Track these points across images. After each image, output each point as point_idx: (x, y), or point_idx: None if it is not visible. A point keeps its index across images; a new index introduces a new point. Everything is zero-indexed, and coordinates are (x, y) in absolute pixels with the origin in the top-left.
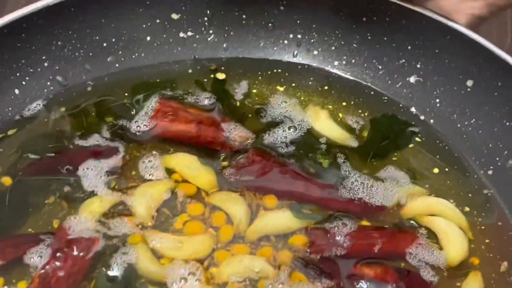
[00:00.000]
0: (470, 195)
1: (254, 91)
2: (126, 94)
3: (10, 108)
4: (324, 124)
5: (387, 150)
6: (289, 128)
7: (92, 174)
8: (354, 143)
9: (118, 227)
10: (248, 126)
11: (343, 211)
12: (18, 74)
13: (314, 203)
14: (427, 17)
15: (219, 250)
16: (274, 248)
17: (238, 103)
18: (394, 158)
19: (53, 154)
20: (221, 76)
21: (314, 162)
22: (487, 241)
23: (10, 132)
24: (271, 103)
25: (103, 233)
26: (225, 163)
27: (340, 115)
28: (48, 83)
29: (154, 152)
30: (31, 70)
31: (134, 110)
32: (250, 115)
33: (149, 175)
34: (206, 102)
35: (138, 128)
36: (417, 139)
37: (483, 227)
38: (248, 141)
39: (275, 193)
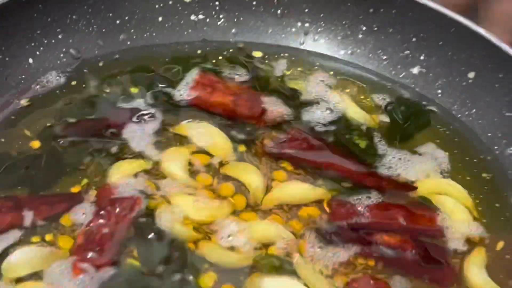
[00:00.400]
0: (468, 178)
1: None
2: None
3: (23, 76)
4: (351, 108)
5: (412, 131)
6: (326, 109)
7: (136, 136)
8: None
9: (159, 187)
10: (285, 103)
11: (376, 188)
12: (33, 44)
13: (350, 178)
14: (432, 10)
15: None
16: (286, 218)
17: (274, 81)
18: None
19: (91, 117)
20: (257, 54)
21: (352, 143)
22: (484, 221)
23: (23, 102)
24: (308, 82)
25: (144, 193)
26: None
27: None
28: (61, 55)
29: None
30: (45, 41)
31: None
32: (286, 93)
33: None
34: (243, 78)
35: (181, 96)
36: None
37: (480, 208)
38: (285, 117)
39: (312, 167)
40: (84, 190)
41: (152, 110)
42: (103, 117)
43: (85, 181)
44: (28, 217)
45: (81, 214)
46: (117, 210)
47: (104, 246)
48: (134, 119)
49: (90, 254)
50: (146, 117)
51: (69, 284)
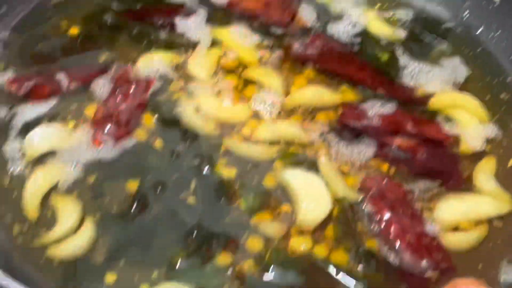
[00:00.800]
0: (487, 98)
1: None
2: None
3: None
4: (373, 23)
5: (430, 46)
6: (350, 23)
7: (178, 29)
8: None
9: (184, 82)
10: (314, 13)
11: (390, 98)
12: None
13: (366, 85)
14: None
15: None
16: (305, 119)
17: None
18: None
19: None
20: None
21: (374, 56)
22: (498, 137)
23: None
24: None
25: (164, 79)
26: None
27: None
28: None
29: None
30: None
31: None
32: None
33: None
34: None
35: None
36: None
37: (495, 126)
38: (312, 25)
39: (329, 71)
40: (111, 67)
41: (194, 8)
42: (148, 8)
43: (114, 62)
44: (64, 84)
45: (101, 88)
46: (133, 88)
47: (121, 121)
48: (177, 14)
49: (108, 127)
50: (187, 14)
51: (90, 153)
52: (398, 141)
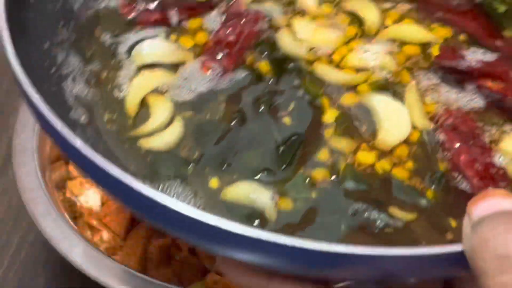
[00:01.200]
0: None
1: None
2: None
3: None
4: None
5: None
6: None
7: None
8: None
9: (286, 8)
10: None
11: (494, 49)
12: None
13: (477, 35)
14: None
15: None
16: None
17: None
18: None
19: None
20: None
21: (491, 8)
22: None
23: None
24: None
25: (271, 15)
26: None
27: None
28: None
29: None
30: None
31: None
32: None
33: None
34: None
35: None
36: None
37: None
38: None
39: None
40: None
41: None
42: None
43: None
44: (174, 16)
45: (212, 21)
46: (243, 21)
47: (231, 51)
48: None
49: (218, 56)
50: None
51: (200, 78)
52: (490, 83)
